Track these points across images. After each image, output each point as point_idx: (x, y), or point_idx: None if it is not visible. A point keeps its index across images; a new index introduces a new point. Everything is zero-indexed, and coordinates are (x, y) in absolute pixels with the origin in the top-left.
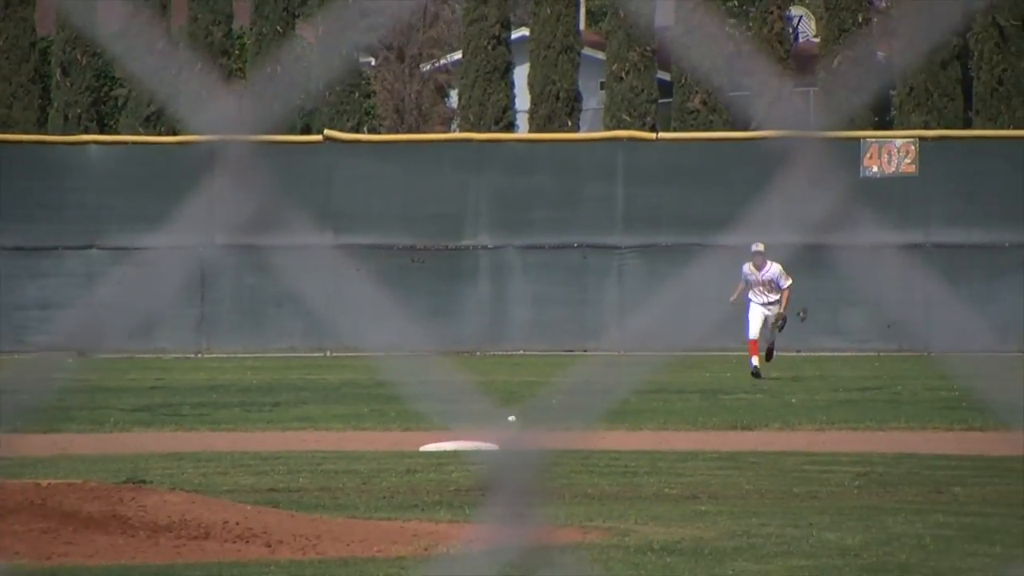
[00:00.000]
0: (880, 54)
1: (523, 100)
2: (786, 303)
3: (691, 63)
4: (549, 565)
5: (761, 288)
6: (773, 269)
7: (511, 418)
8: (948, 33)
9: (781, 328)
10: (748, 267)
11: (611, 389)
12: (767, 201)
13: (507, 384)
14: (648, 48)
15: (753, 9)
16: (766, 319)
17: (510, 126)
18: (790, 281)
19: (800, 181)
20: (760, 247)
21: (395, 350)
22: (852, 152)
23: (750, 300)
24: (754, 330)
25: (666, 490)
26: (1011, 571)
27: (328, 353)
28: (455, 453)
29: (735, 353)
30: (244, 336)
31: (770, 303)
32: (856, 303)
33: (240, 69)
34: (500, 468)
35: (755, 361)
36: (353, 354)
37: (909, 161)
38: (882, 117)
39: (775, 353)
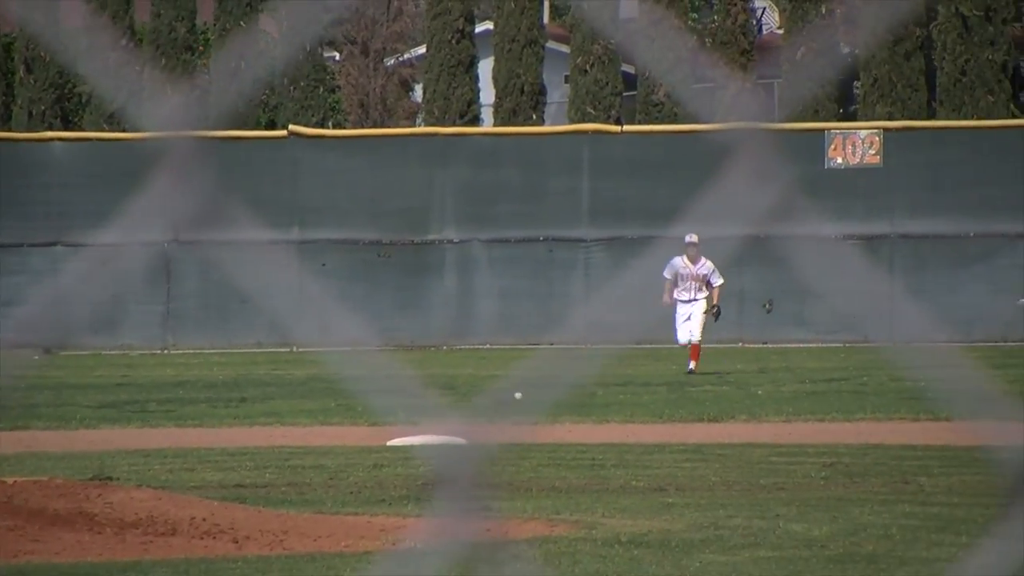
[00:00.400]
0: (843, 46)
1: (488, 94)
2: (717, 297)
3: (655, 56)
4: (511, 560)
5: (692, 282)
6: (707, 265)
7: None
8: (911, 19)
9: (716, 318)
10: (682, 260)
11: (561, 382)
12: (726, 193)
13: (473, 378)
14: (612, 41)
15: (716, 2)
16: (690, 317)
17: (475, 120)
18: (722, 280)
19: (754, 173)
20: (694, 238)
21: (356, 346)
22: (816, 144)
23: (676, 300)
24: (683, 335)
25: (633, 483)
26: (971, 559)
27: (294, 348)
28: (422, 447)
29: (704, 345)
30: (210, 332)
31: (696, 300)
32: (822, 295)
33: (204, 65)
34: (447, 462)
35: (692, 365)
36: (319, 349)
37: (873, 152)
38: (846, 108)
39: (700, 348)
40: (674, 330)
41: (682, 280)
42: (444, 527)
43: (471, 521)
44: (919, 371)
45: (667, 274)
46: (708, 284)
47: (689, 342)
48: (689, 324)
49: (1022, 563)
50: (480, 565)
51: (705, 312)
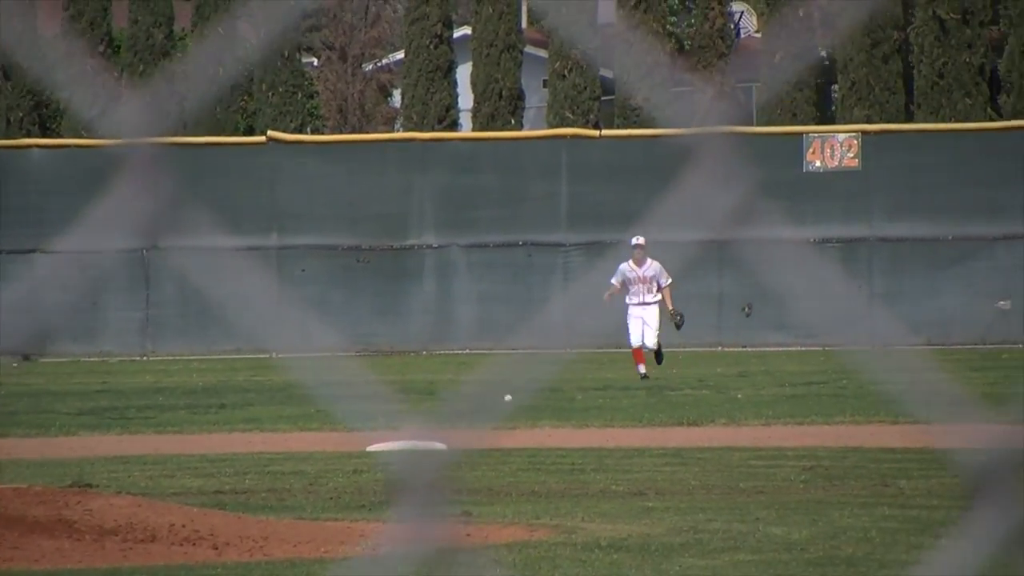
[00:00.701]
0: (821, 49)
1: (466, 99)
2: (671, 301)
3: (633, 60)
4: (490, 565)
5: (641, 286)
6: (654, 266)
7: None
8: (888, 22)
9: (679, 326)
10: (628, 264)
11: (520, 387)
12: (690, 196)
13: (453, 384)
14: (590, 47)
15: (694, 5)
16: (645, 322)
17: (453, 125)
18: (670, 280)
19: (719, 177)
20: (641, 240)
21: (333, 352)
22: (795, 147)
23: (628, 304)
24: (636, 337)
25: (613, 487)
26: (935, 561)
27: (274, 354)
28: (387, 453)
29: (680, 349)
30: (189, 338)
31: (647, 303)
32: (801, 297)
33: (183, 71)
34: (408, 467)
35: (642, 368)
36: (291, 355)
37: (852, 155)
38: (824, 112)
39: (663, 351)
40: (626, 333)
41: (631, 284)
42: (413, 532)
43: (441, 526)
44: (885, 374)
45: (614, 280)
46: (658, 286)
47: (644, 346)
48: (646, 329)
49: (984, 564)
50: (459, 570)
51: (671, 320)
